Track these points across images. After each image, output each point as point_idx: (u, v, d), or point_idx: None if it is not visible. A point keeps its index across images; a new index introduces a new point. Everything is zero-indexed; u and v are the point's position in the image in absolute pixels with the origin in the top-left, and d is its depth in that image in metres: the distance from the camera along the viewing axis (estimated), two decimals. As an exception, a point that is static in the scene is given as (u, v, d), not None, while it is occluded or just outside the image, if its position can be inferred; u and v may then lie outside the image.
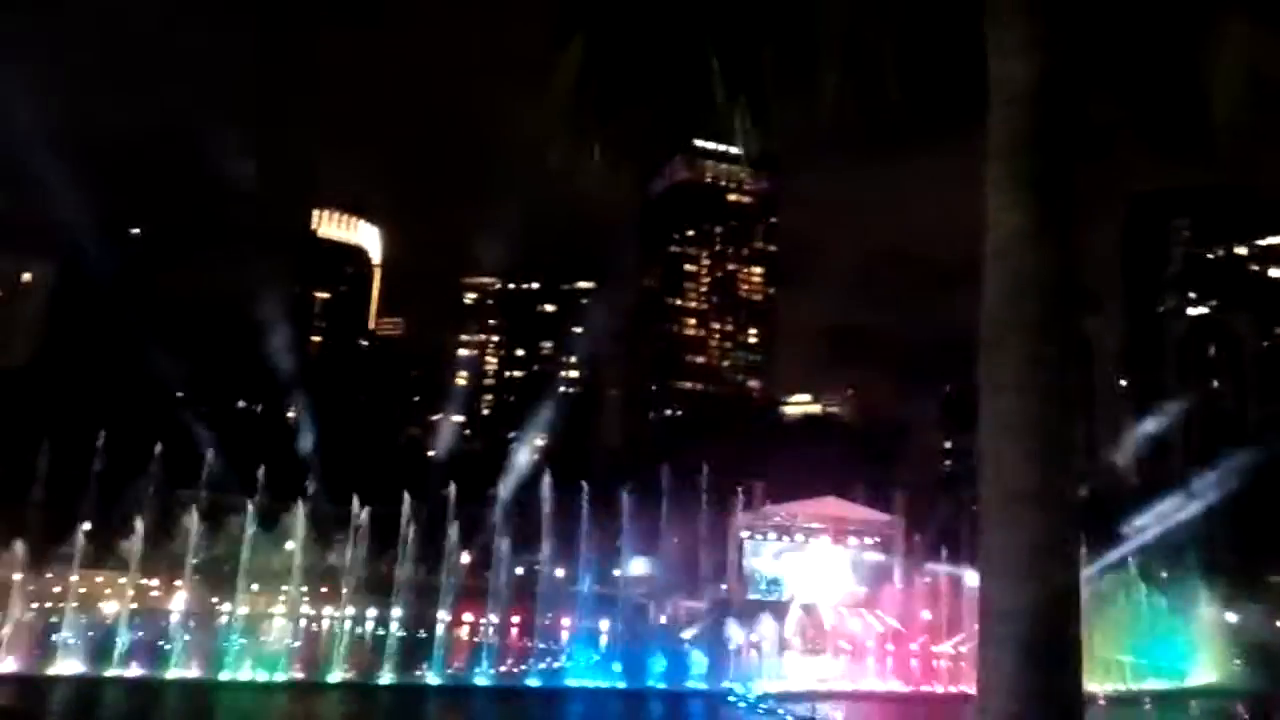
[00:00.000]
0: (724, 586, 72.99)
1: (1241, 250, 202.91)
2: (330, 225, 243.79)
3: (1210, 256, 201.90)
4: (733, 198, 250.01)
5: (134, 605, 63.47)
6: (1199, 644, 76.81)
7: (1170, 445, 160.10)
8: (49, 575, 64.62)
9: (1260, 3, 7.47)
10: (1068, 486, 6.28)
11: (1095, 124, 7.97)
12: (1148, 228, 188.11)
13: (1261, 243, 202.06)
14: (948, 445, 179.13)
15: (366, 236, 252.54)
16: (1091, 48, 7.46)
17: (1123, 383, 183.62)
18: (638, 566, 72.38)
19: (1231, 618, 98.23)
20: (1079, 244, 6.93)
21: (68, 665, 53.99)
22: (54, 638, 57.28)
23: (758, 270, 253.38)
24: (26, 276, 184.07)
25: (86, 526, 63.08)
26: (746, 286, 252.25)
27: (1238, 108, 7.41)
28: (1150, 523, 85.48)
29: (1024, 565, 6.00)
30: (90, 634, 58.34)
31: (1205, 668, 75.13)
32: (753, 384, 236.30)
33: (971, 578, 65.57)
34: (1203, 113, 7.58)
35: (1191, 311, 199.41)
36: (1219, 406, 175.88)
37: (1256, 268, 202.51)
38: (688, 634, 65.77)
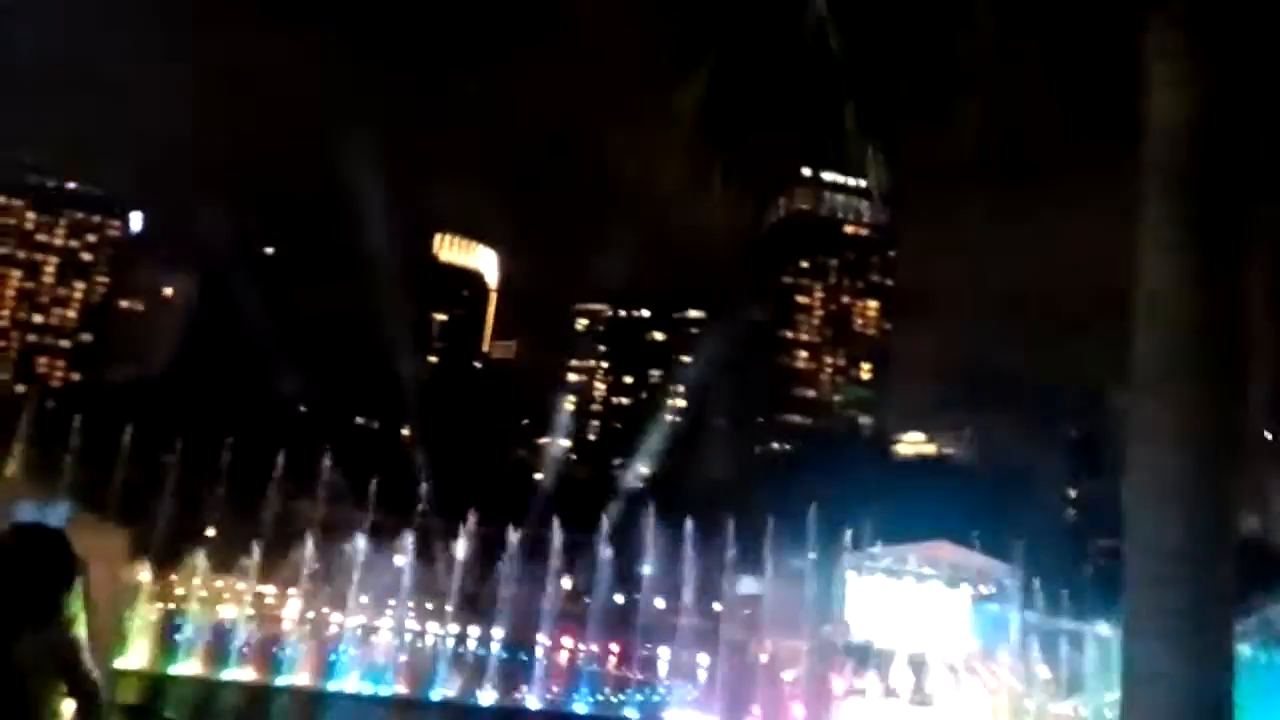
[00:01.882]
0: (828, 628, 71.15)
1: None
2: (450, 249, 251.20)
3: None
4: (850, 229, 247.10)
5: (251, 611, 65.93)
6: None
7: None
8: (173, 578, 67.70)
9: None
10: (1225, 544, 5.87)
11: (1260, 161, 7.44)
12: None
13: None
14: (1072, 494, 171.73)
15: (484, 260, 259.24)
16: (1257, 80, 6.99)
17: (1269, 436, 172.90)
18: (740, 602, 71.22)
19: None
20: (1237, 287, 6.53)
21: (187, 665, 56.30)
22: (176, 638, 59.85)
23: (873, 304, 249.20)
24: (168, 290, 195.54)
25: (210, 532, 65.97)
26: (861, 320, 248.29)
27: None
28: None
29: (1174, 627, 5.59)
30: (209, 637, 60.77)
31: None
32: (864, 420, 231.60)
33: (1093, 634, 62.24)
34: None
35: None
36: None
37: None
38: (788, 675, 64.26)
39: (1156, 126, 6.58)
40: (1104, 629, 58.66)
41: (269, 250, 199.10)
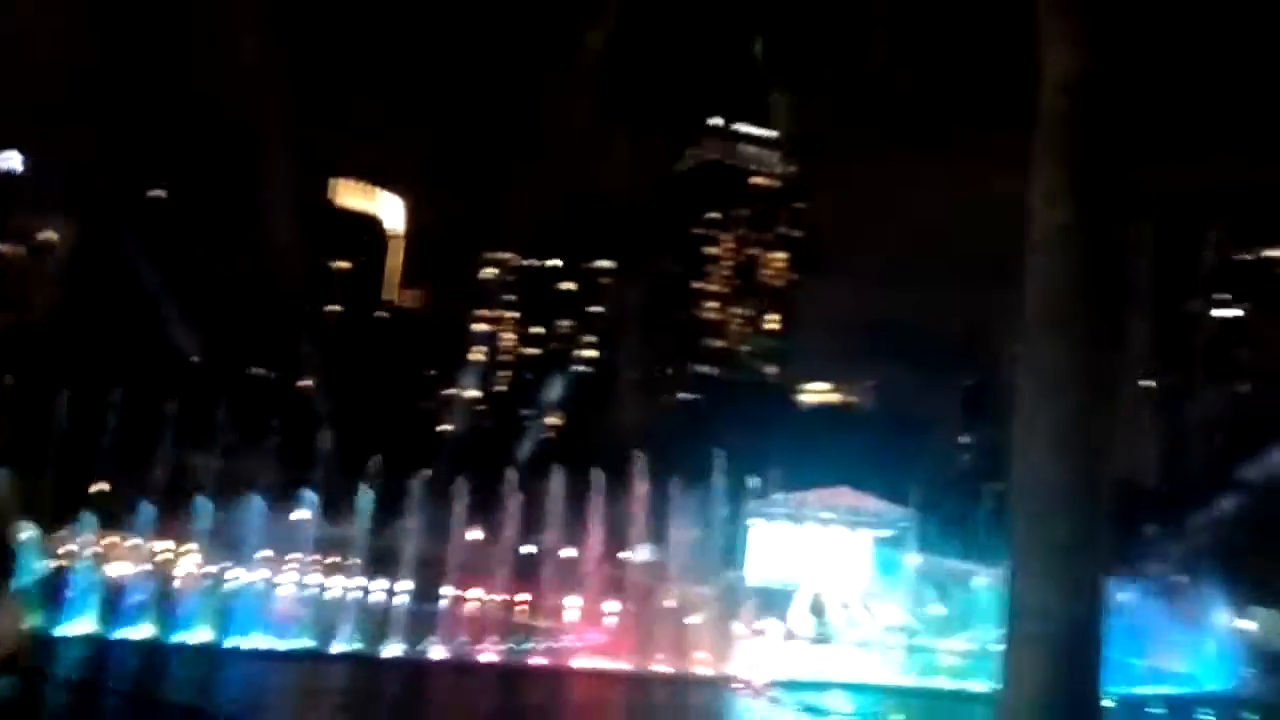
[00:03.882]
0: (732, 572, 72.73)
1: (1273, 253, 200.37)
2: (350, 194, 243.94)
3: (1241, 259, 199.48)
4: (759, 181, 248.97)
5: (145, 567, 63.99)
6: (1212, 650, 76.11)
7: (1195, 448, 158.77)
8: (62, 534, 65.14)
9: None
10: (1101, 485, 6.14)
11: (1143, 118, 7.63)
12: (1180, 228, 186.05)
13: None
14: (966, 440, 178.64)
15: (387, 207, 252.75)
16: (1142, 40, 7.15)
17: (1150, 383, 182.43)
18: (647, 549, 72.25)
19: (1245, 624, 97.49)
20: (1119, 239, 6.77)
21: (78, 625, 54.40)
22: (65, 596, 57.71)
23: (781, 256, 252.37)
24: (46, 234, 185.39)
25: (100, 486, 63.54)
26: (769, 272, 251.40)
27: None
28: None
29: (1053, 563, 5.88)
30: (100, 594, 58.79)
31: (1217, 675, 74.45)
32: (771, 370, 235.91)
33: (983, 574, 65.16)
34: (1246, 106, 7.40)
35: (1220, 314, 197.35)
36: (1245, 410, 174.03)
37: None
38: (695, 619, 65.64)
39: (1048, 82, 6.73)
40: (992, 569, 61.45)
41: (158, 193, 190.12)
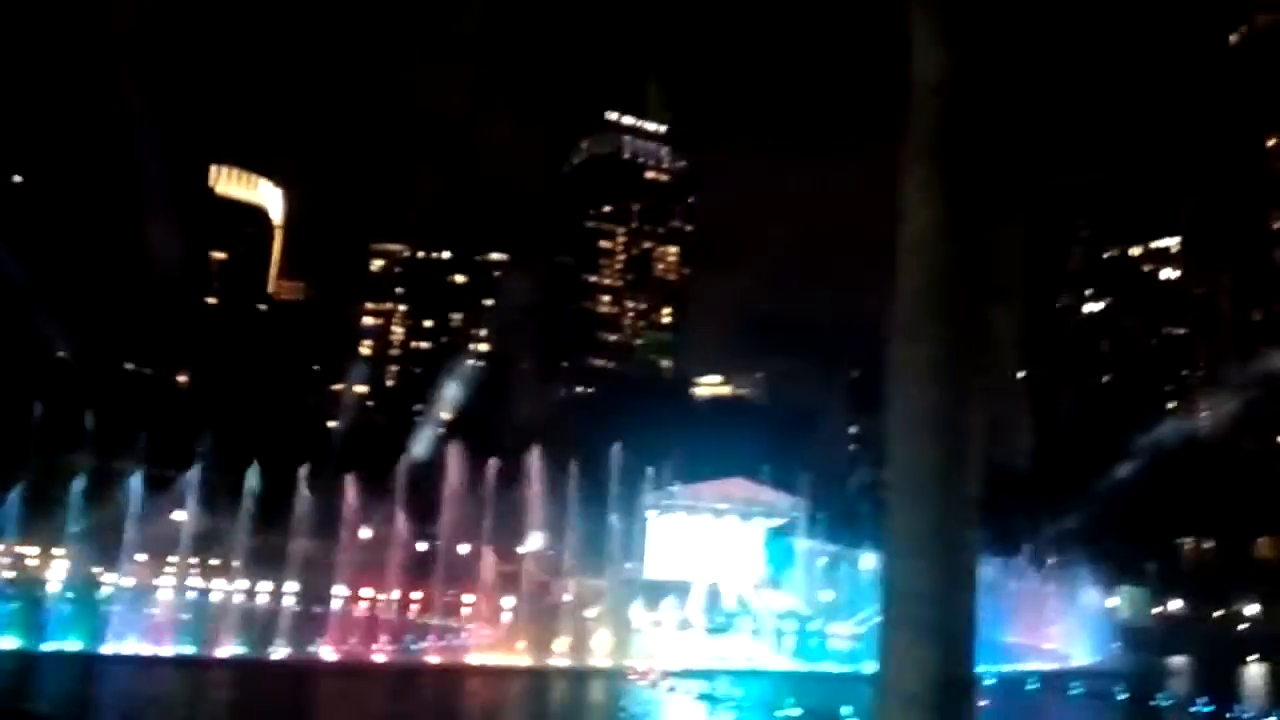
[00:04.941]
0: (628, 565, 73.13)
1: (1135, 251, 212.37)
2: (229, 183, 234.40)
3: (1106, 256, 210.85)
4: (650, 175, 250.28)
5: (11, 574, 60.43)
6: (1082, 627, 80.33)
7: (1062, 437, 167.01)
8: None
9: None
10: (969, 472, 6.40)
11: (1012, 118, 7.93)
12: (1049, 225, 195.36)
13: (1153, 245, 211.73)
14: (853, 430, 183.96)
15: (268, 196, 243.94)
16: (1011, 41, 7.41)
17: (1020, 374, 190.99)
18: (542, 544, 71.94)
19: (1112, 601, 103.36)
20: (988, 238, 6.98)
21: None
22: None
23: (674, 249, 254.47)
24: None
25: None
26: (662, 265, 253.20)
27: (1136, 104, 7.72)
28: None
29: (925, 547, 6.06)
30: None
31: (1086, 650, 78.69)
32: (665, 363, 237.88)
33: (869, 559, 67.23)
34: (1103, 109, 7.77)
35: (1086, 308, 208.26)
36: (1110, 401, 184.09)
37: (1148, 268, 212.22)
38: (591, 612, 65.71)
39: (918, 83, 6.85)
40: (879, 554, 63.35)
41: (17, 178, 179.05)
